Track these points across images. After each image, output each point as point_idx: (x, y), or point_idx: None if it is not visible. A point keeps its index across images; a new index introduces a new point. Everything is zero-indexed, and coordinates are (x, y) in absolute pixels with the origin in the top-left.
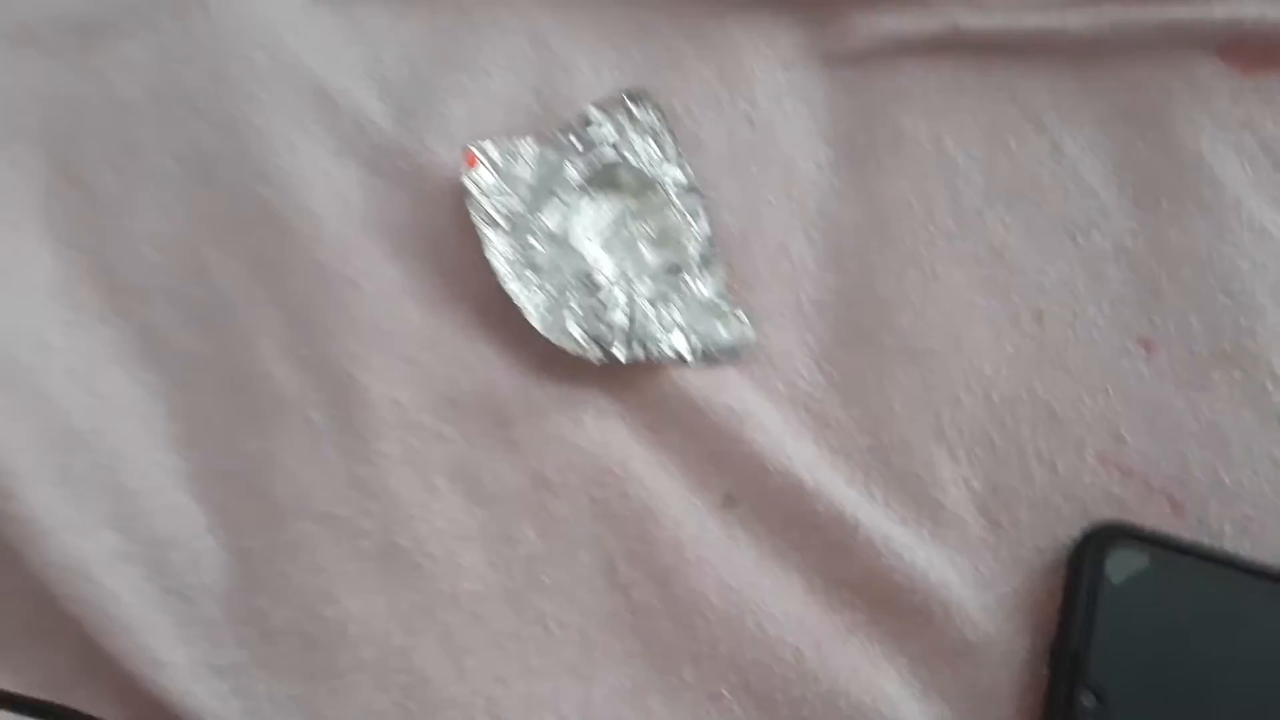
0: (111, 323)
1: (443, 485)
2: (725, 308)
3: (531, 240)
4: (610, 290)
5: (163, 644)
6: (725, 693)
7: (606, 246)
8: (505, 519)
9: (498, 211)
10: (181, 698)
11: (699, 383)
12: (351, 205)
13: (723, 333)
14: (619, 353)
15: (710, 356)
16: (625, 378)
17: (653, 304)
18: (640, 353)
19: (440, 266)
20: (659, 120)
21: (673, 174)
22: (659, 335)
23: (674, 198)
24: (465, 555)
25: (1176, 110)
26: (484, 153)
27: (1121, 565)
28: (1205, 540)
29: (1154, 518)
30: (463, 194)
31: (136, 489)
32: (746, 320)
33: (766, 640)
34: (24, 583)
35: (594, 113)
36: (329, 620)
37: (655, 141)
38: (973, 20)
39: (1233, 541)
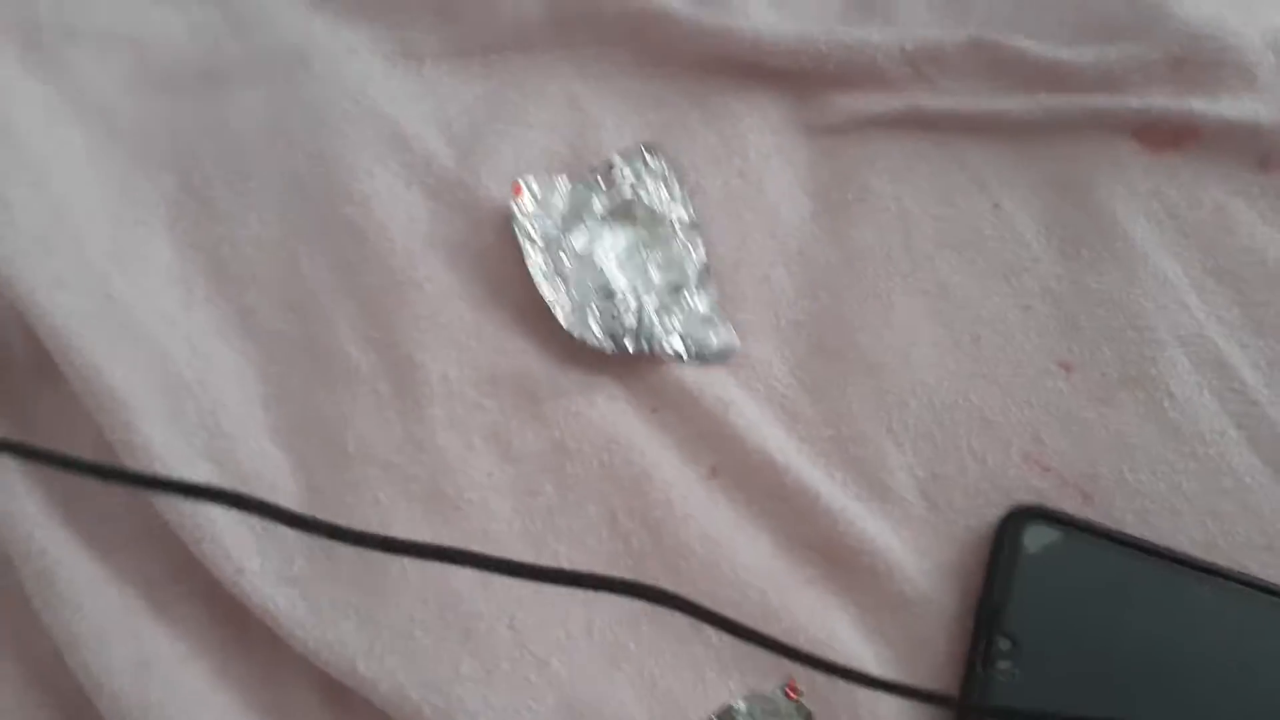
0: (218, 305)
1: (480, 445)
2: (716, 320)
3: (562, 256)
4: (624, 298)
5: (244, 554)
6: (704, 628)
7: (621, 266)
8: (530, 475)
9: (535, 231)
10: (259, 598)
11: (693, 377)
12: (418, 224)
13: (713, 339)
14: (628, 345)
15: (702, 357)
16: (633, 369)
17: (657, 313)
18: (645, 347)
19: (487, 274)
20: (669, 169)
21: (678, 212)
22: (661, 336)
23: (678, 231)
24: (495, 502)
25: (1097, 179)
26: (527, 184)
27: (1037, 538)
28: (1111, 525)
29: (1068, 506)
30: (508, 217)
31: (231, 433)
32: (733, 331)
33: (738, 583)
34: (134, 498)
35: (617, 159)
36: None
37: (665, 186)
38: (931, 102)
39: (1133, 528)
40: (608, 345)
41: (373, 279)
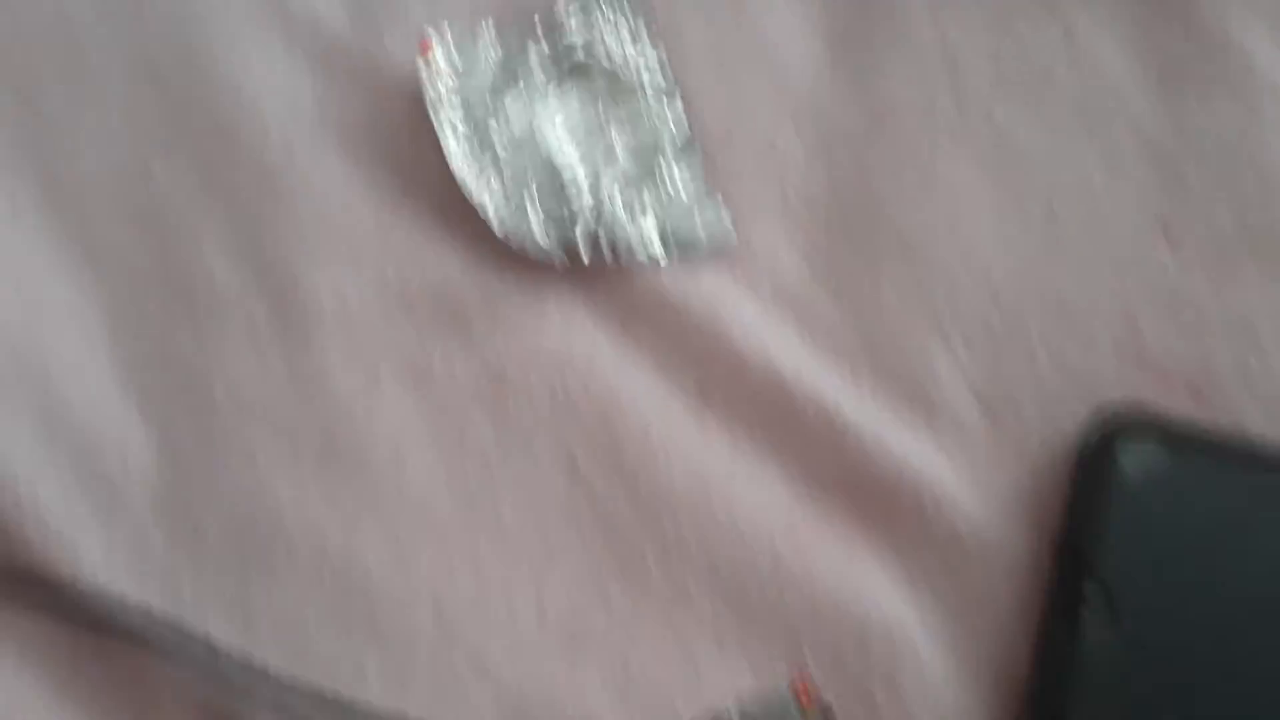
0: (50, 227)
1: (389, 384)
2: (702, 198)
3: (491, 132)
4: (576, 181)
5: (83, 547)
6: (692, 588)
7: (574, 137)
8: (456, 416)
9: (454, 101)
10: (101, 599)
11: (672, 278)
12: (302, 107)
13: (698, 225)
14: (583, 250)
15: (684, 250)
16: (593, 272)
17: (623, 196)
18: (607, 251)
19: (394, 164)
20: (633, 8)
21: (647, 63)
22: (628, 229)
23: (648, 87)
24: (411, 453)
25: None
26: (440, 38)
27: (1135, 456)
28: (1231, 430)
29: (1175, 410)
30: (419, 85)
31: (64, 390)
32: (725, 211)
33: (739, 535)
34: None
35: (563, 1)
36: (263, 518)
37: (629, 30)
38: None
39: (1261, 431)
40: (556, 254)
41: (244, 178)
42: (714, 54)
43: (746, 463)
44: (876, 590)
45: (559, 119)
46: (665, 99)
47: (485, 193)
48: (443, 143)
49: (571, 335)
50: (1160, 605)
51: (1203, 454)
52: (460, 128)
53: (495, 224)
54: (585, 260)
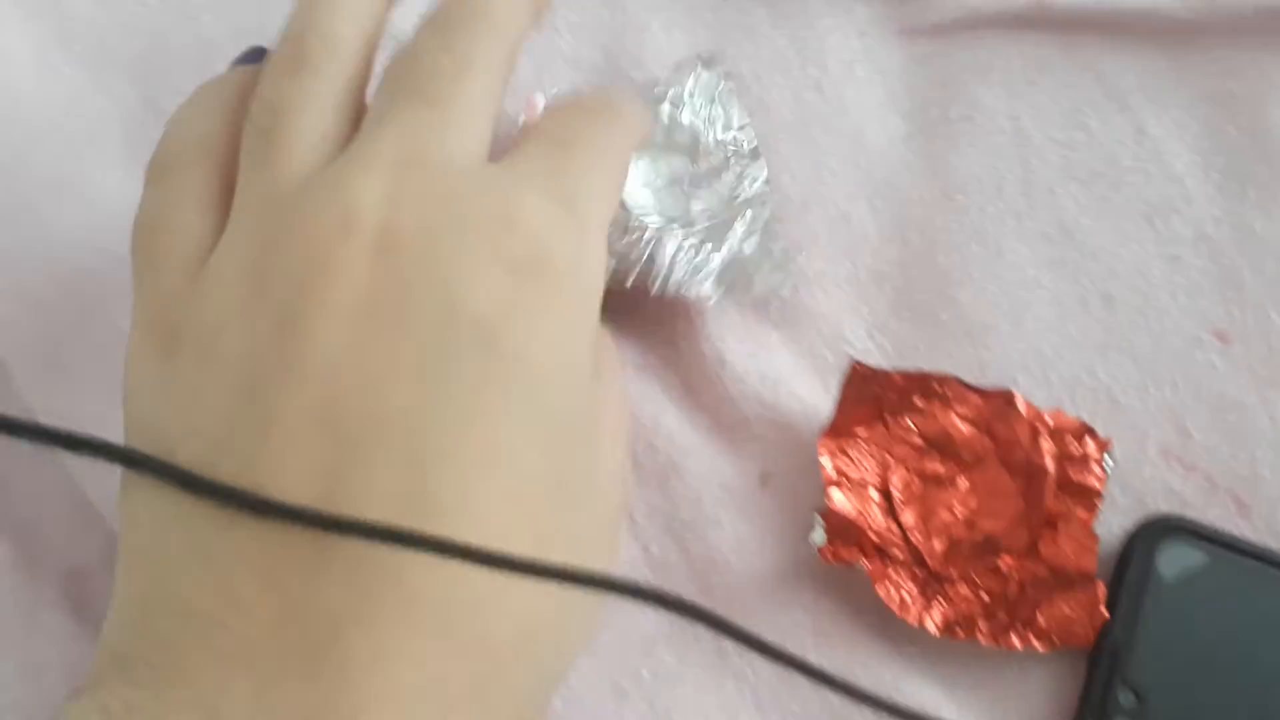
0: None
1: None
2: (768, 261)
3: None
4: (645, 233)
5: None
6: (736, 655)
7: (657, 197)
8: None
9: None
10: None
11: (737, 346)
12: None
13: (756, 281)
14: (630, 279)
15: (737, 295)
16: (663, 336)
17: (690, 254)
18: (659, 282)
19: None
20: (727, 85)
21: (735, 138)
22: (685, 281)
23: (733, 162)
24: None
25: (1273, 95)
26: (546, 96)
27: (1175, 561)
28: (1273, 545)
29: (1217, 518)
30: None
31: None
32: (791, 266)
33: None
34: None
35: (662, 73)
36: None
37: (722, 105)
38: None
39: None
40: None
41: None
42: (798, 125)
43: (793, 544)
44: (911, 676)
45: (647, 185)
46: (749, 179)
47: None
48: None
49: (642, 391)
50: (1191, 712)
51: (1243, 565)
52: None
53: None
54: (629, 283)
